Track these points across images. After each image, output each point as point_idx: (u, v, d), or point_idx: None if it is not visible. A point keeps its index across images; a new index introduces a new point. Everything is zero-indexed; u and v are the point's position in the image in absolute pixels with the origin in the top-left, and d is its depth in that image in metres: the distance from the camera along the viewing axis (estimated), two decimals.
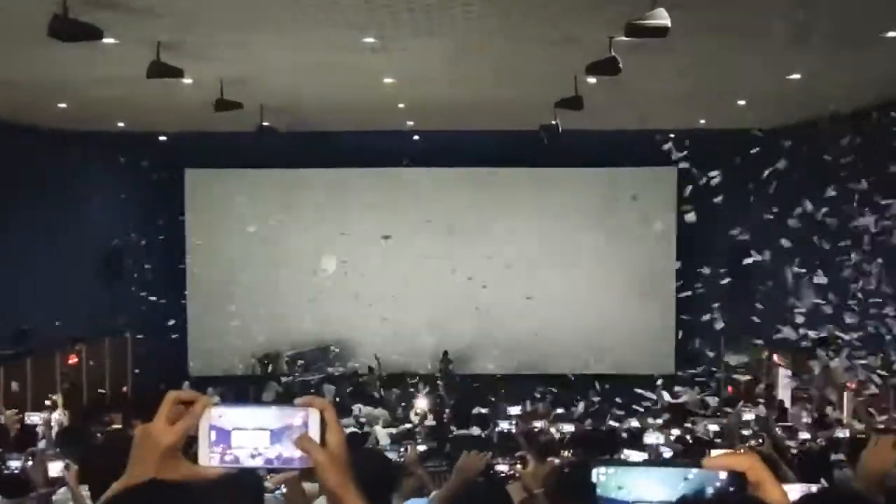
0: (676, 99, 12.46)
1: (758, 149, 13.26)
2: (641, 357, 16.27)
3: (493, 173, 16.95)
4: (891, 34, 9.13)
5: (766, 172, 12.86)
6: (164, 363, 15.88)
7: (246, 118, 12.16)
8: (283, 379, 16.22)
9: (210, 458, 1.26)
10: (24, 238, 13.79)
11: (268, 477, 4.40)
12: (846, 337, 12.35)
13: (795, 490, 3.23)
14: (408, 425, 11.19)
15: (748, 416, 11.39)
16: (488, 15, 8.58)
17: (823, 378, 12.66)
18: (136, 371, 16.21)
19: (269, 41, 9.59)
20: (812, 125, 13.07)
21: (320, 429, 1.26)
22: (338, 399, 14.54)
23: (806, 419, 11.61)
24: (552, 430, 10.08)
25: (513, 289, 16.90)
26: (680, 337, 16.59)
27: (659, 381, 14.25)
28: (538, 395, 14.25)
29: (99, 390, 14.85)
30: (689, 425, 11.01)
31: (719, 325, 14.22)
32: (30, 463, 7.06)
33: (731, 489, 1.10)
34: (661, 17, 7.38)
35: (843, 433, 9.72)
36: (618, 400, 13.80)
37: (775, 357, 14.59)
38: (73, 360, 14.45)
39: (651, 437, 9.10)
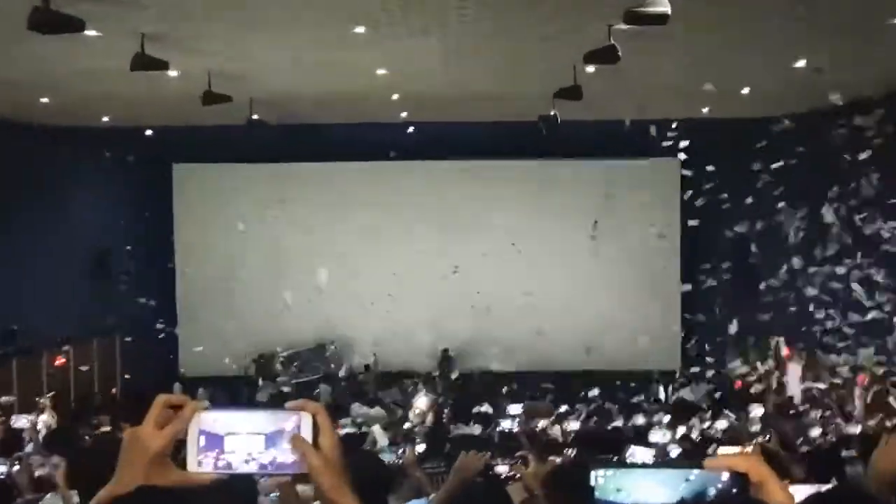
0: (677, 88, 12.25)
1: (764, 141, 13.05)
2: (645, 353, 16.01)
3: (491, 166, 16.69)
4: None
5: (771, 163, 12.66)
6: (155, 364, 15.65)
7: (235, 111, 11.99)
8: (279, 379, 15.97)
9: (201, 464, 1.24)
10: (8, 237, 13.56)
11: (261, 481, 4.24)
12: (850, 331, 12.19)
13: (804, 490, 3.03)
14: (406, 425, 10.99)
15: (756, 412, 11.19)
16: (485, 3, 8.39)
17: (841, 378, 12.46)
18: (126, 373, 15.97)
19: (258, 32, 9.38)
20: (818, 115, 12.86)
21: (313, 432, 1.24)
22: (335, 399, 14.32)
23: (816, 415, 11.41)
24: (554, 428, 9.91)
25: (512, 284, 16.65)
26: (684, 333, 16.38)
27: (656, 380, 14.06)
28: (539, 394, 14.04)
29: (87, 392, 14.60)
30: (695, 422, 10.83)
31: (725, 320, 14.04)
32: (15, 468, 6.86)
33: (734, 490, 1.08)
34: (661, 5, 7.30)
35: (854, 429, 9.53)
36: (621, 397, 13.61)
37: (784, 352, 14.37)
38: (60, 361, 14.22)
39: (657, 435, 8.91)
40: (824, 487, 3.84)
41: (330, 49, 10.07)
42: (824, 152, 12.26)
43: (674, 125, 13.52)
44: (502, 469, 6.30)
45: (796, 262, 13.03)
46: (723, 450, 4.96)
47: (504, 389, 14.56)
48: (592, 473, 1.13)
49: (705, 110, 14.03)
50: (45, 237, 14.21)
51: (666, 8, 7.26)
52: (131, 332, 15.59)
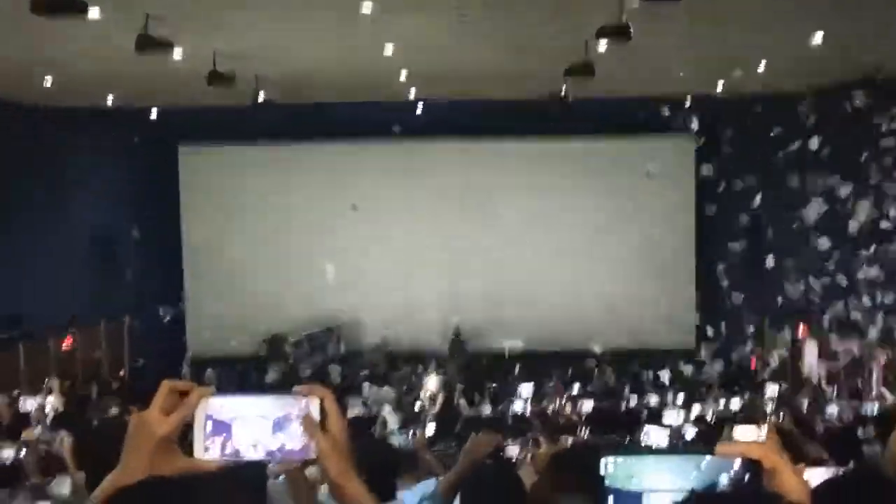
0: (691, 64, 12.03)
1: (782, 118, 12.84)
2: (659, 333, 15.87)
3: (501, 144, 16.51)
4: None
5: (788, 140, 12.46)
6: (163, 346, 15.60)
7: (241, 91, 11.88)
8: (289, 360, 15.93)
9: (207, 450, 1.23)
10: (14, 220, 13.49)
11: (269, 465, 4.19)
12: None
13: (820, 473, 3.00)
14: (417, 406, 10.93)
15: (771, 391, 11.08)
16: None
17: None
18: (134, 355, 15.93)
19: (263, 10, 9.24)
20: (835, 91, 12.61)
21: (320, 417, 1.25)
22: (345, 380, 14.27)
23: (832, 394, 11.31)
24: (567, 408, 9.83)
25: (523, 264, 16.52)
26: (699, 312, 16.22)
27: (663, 360, 13.90)
28: (552, 374, 13.92)
29: (95, 375, 14.58)
30: (710, 402, 10.75)
31: (740, 300, 13.89)
32: (23, 451, 6.83)
33: (746, 477, 1.07)
34: None
35: (872, 408, 9.42)
36: (635, 377, 13.50)
37: (800, 331, 14.22)
38: (67, 344, 14.19)
39: (671, 415, 8.80)
40: (841, 470, 3.77)
41: (336, 27, 9.92)
42: (843, 129, 12.03)
43: (688, 102, 13.31)
44: (513, 451, 6.20)
45: (813, 241, 12.86)
46: (738, 429, 4.85)
47: (516, 369, 14.46)
48: (602, 461, 1.10)
49: (720, 87, 13.79)
50: (49, 220, 14.15)
51: None
52: (138, 315, 15.56)
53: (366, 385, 12.96)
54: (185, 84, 11.75)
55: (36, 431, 8.29)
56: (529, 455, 6.14)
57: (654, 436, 6.16)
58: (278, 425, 1.23)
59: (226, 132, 15.59)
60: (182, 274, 16.95)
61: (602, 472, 1.11)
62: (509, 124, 15.35)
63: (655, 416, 9.04)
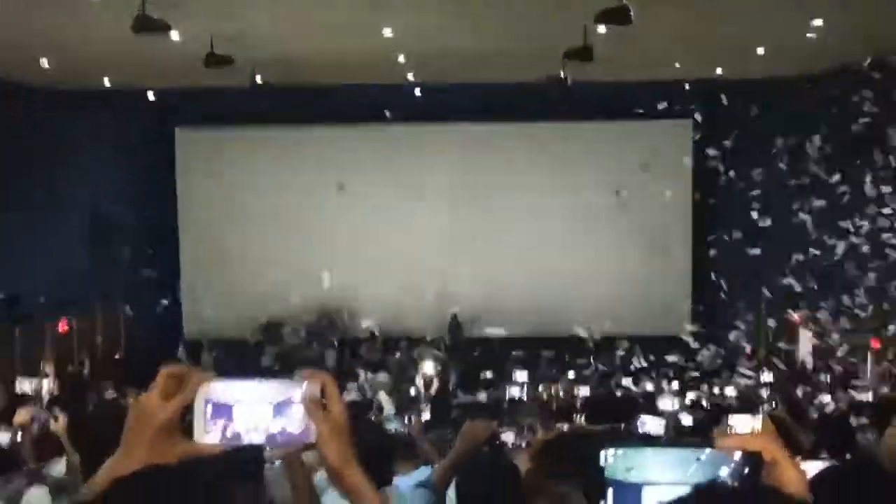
0: (689, 49, 11.98)
1: (780, 103, 12.78)
2: (655, 319, 15.89)
3: (500, 128, 16.45)
4: None
5: (786, 125, 12.41)
6: (158, 330, 15.59)
7: (238, 74, 11.82)
8: (284, 344, 15.93)
9: (208, 433, 1.23)
10: (7, 203, 13.37)
11: (267, 448, 4.18)
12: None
13: (816, 466, 2.99)
14: (413, 391, 10.93)
15: (766, 377, 11.11)
16: None
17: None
18: (129, 340, 15.90)
19: None
20: (835, 76, 12.56)
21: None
22: (340, 365, 14.27)
23: (826, 381, 11.33)
24: (562, 395, 9.83)
25: (520, 250, 16.50)
26: (695, 299, 16.24)
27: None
28: (548, 359, 13.94)
29: (91, 358, 14.56)
30: (704, 388, 10.78)
31: (735, 287, 13.90)
32: (19, 436, 6.81)
33: (746, 470, 1.08)
34: None
35: (866, 396, 9.43)
36: (631, 363, 13.51)
37: (795, 318, 14.24)
38: (62, 327, 14.16)
39: (666, 402, 8.80)
40: (837, 461, 3.76)
41: (334, 9, 9.86)
42: (844, 115, 11.98)
43: (686, 86, 13.25)
44: (509, 437, 6.20)
45: (810, 229, 12.85)
46: (733, 418, 4.86)
47: (512, 355, 14.47)
48: (602, 452, 1.11)
49: (718, 71, 13.74)
50: (45, 202, 14.07)
51: None
52: (134, 298, 15.52)
53: (361, 371, 12.97)
54: (183, 66, 11.69)
55: (31, 412, 8.28)
56: (525, 442, 6.15)
57: (650, 425, 6.15)
58: (279, 409, 1.23)
59: (224, 115, 15.50)
60: (178, 257, 16.92)
61: (602, 464, 1.12)
62: (507, 108, 15.29)
63: (650, 403, 9.06)
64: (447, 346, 15.66)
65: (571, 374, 12.36)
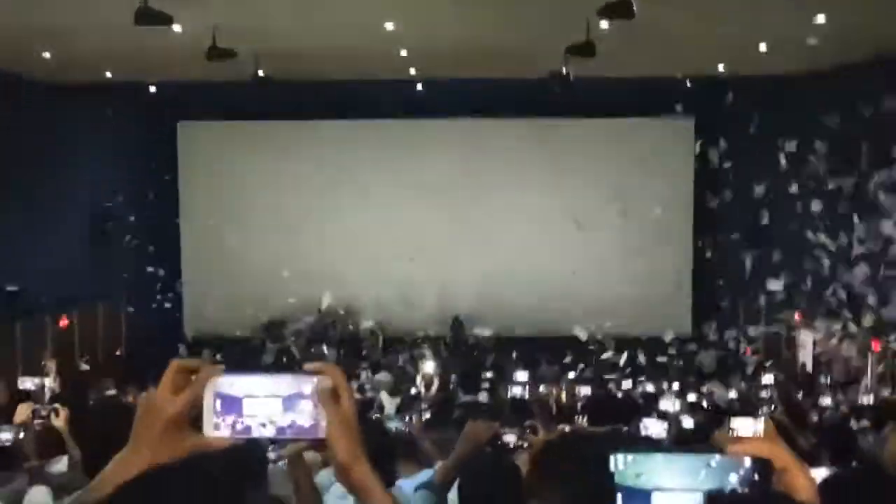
0: (692, 45, 11.93)
1: (783, 100, 12.74)
2: (655, 319, 15.86)
3: (500, 124, 16.41)
4: None
5: (790, 123, 12.37)
6: (160, 326, 15.57)
7: (241, 67, 11.80)
8: (286, 342, 15.91)
9: (217, 427, 1.23)
10: (8, 198, 13.29)
11: (271, 446, 4.44)
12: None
13: (821, 473, 2.98)
14: (413, 391, 10.91)
15: (766, 379, 11.09)
16: None
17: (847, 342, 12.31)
18: (130, 336, 15.87)
19: None
20: (837, 73, 12.51)
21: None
22: (341, 364, 14.23)
23: (827, 383, 11.32)
24: (563, 395, 9.80)
25: (520, 244, 16.46)
26: (695, 299, 16.21)
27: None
28: (550, 359, 13.92)
29: (92, 355, 14.53)
30: (704, 390, 10.76)
31: (736, 286, 13.88)
32: (21, 432, 6.80)
33: (756, 477, 1.08)
34: None
35: (867, 399, 9.42)
36: (632, 363, 13.49)
37: (796, 318, 14.21)
38: (64, 323, 14.13)
39: (667, 403, 8.80)
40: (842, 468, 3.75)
41: (337, 2, 9.83)
42: (846, 111, 11.94)
43: (688, 83, 13.20)
44: (511, 438, 6.17)
45: (812, 228, 12.81)
46: (736, 421, 4.85)
47: (512, 355, 14.45)
48: (612, 458, 1.10)
49: (721, 68, 13.69)
50: (45, 197, 13.98)
51: None
52: (136, 294, 15.50)
53: (362, 370, 12.95)
54: (185, 59, 11.65)
55: (32, 407, 8.27)
56: (526, 442, 6.12)
57: (651, 428, 6.14)
58: (289, 403, 1.23)
59: (226, 109, 15.48)
60: (180, 253, 16.88)
61: (611, 469, 1.11)
62: (510, 103, 15.26)
63: (651, 403, 9.05)
64: (448, 346, 15.65)
65: (573, 374, 12.34)
